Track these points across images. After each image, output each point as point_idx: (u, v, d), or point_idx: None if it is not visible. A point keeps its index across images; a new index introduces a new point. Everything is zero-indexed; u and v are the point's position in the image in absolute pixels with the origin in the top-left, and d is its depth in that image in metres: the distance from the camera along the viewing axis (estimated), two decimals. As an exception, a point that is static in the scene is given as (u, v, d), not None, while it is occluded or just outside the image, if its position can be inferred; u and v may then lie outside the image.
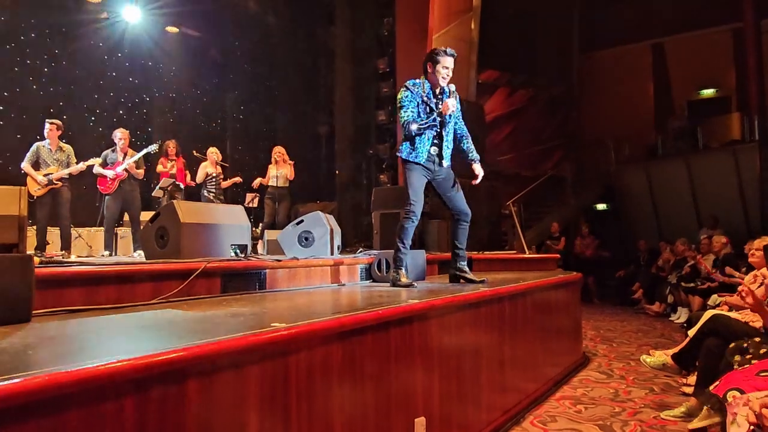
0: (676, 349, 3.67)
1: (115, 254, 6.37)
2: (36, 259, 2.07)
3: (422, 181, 3.62)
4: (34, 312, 2.01)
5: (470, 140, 3.87)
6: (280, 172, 7.54)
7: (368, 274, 4.28)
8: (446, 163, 3.69)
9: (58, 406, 1.16)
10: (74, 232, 6.99)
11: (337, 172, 11.07)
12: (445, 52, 3.54)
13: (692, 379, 3.54)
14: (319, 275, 3.85)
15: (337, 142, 11.22)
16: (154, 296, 2.74)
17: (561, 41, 13.77)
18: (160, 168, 7.28)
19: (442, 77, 3.55)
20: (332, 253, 4.47)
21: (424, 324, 2.47)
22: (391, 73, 10.68)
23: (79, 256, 5.89)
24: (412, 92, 3.56)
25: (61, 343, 1.62)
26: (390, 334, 2.22)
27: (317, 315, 2.10)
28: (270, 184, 7.57)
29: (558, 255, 6.50)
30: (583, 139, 13.74)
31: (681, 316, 7.23)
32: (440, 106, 3.54)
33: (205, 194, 7.30)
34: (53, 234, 6.12)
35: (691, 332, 3.63)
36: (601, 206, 13.15)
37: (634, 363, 4.68)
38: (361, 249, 5.88)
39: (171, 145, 7.27)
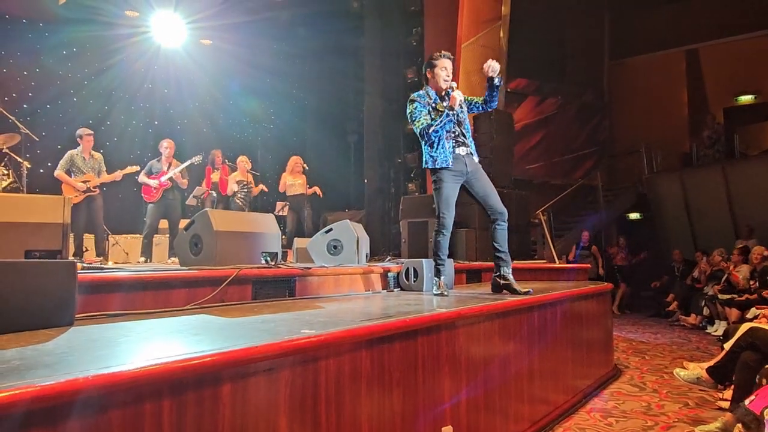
0: (711, 363, 3.58)
1: (151, 261, 6.55)
2: (78, 265, 2.16)
3: (454, 190, 3.57)
4: (76, 316, 2.09)
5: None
6: (296, 181, 7.64)
7: (396, 282, 4.30)
8: (476, 158, 3.66)
9: (101, 406, 1.22)
10: (111, 239, 7.22)
11: (365, 180, 11.14)
12: (440, 54, 3.58)
13: (728, 393, 3.45)
14: (347, 283, 3.89)
15: (366, 150, 11.30)
16: (189, 302, 2.82)
17: (591, 48, 13.62)
18: (203, 184, 7.46)
19: (443, 79, 3.55)
20: (360, 262, 4.51)
21: (452, 333, 2.48)
22: (419, 82, 10.73)
23: (116, 263, 6.07)
24: (420, 102, 3.58)
25: (102, 346, 1.69)
26: (418, 343, 2.24)
27: (346, 322, 2.13)
28: (289, 193, 7.68)
29: (588, 265, 6.39)
30: (614, 147, 13.52)
31: (718, 328, 7.03)
32: (452, 103, 3.52)
33: (236, 201, 7.45)
34: (89, 240, 6.33)
35: (728, 345, 3.54)
36: (633, 215, 12.89)
37: (667, 376, 4.57)
38: (389, 257, 5.91)
39: (218, 155, 7.46)
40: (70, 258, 3.01)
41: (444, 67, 3.56)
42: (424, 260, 4.15)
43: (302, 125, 12.34)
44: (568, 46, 13.26)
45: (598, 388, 4.20)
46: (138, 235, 6.97)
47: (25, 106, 8.29)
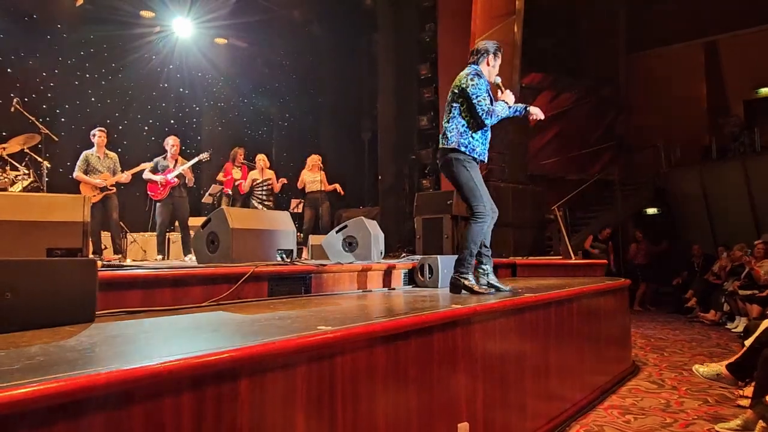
0: (731, 359, 3.53)
1: (168, 258, 6.61)
2: (98, 263, 2.20)
3: (481, 179, 3.46)
4: (97, 312, 2.13)
5: None
6: (315, 177, 7.66)
7: (411, 278, 4.30)
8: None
9: (123, 401, 1.24)
10: (129, 237, 7.32)
11: (379, 177, 11.15)
12: (501, 50, 3.58)
13: (749, 390, 3.40)
14: (362, 280, 3.90)
15: (380, 147, 11.31)
16: (206, 299, 2.85)
17: (607, 42, 13.44)
18: (221, 176, 7.51)
19: (497, 74, 3.55)
20: (375, 258, 4.52)
21: (468, 329, 2.47)
22: (433, 78, 10.70)
23: (134, 260, 6.15)
24: (484, 79, 3.43)
25: (123, 342, 1.71)
26: (433, 339, 2.24)
27: (362, 319, 2.14)
28: (308, 190, 7.70)
29: (605, 261, 6.34)
30: (631, 141, 13.34)
31: (739, 325, 6.92)
32: (506, 100, 3.47)
33: (252, 201, 7.48)
34: (107, 238, 6.42)
35: (748, 342, 3.48)
36: (651, 210, 12.73)
37: (686, 373, 4.51)
38: (404, 254, 5.92)
39: (240, 153, 7.51)
40: (90, 256, 3.06)
41: (499, 64, 3.56)
42: (439, 257, 4.15)
43: (316, 123, 12.38)
44: (583, 40, 13.10)
45: (616, 385, 4.16)
46: (155, 233, 7.05)
47: (44, 106, 8.42)
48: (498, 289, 3.41)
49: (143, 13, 9.58)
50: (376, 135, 11.57)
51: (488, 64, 3.50)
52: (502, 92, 3.50)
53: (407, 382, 2.07)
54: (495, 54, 3.52)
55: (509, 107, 3.46)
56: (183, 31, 9.86)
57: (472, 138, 3.38)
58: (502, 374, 2.71)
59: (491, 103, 3.38)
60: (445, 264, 4.13)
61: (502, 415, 2.70)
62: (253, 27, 10.48)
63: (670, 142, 12.16)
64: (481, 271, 3.50)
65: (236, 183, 7.40)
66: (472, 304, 2.62)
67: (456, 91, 3.41)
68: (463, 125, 3.38)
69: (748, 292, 6.94)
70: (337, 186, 7.81)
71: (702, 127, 12.53)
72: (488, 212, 3.40)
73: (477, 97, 3.32)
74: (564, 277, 5.45)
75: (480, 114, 3.32)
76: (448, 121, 3.43)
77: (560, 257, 7.20)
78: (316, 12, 11.52)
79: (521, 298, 2.99)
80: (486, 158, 3.50)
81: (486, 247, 3.52)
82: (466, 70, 3.46)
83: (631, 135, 13.40)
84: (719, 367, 3.55)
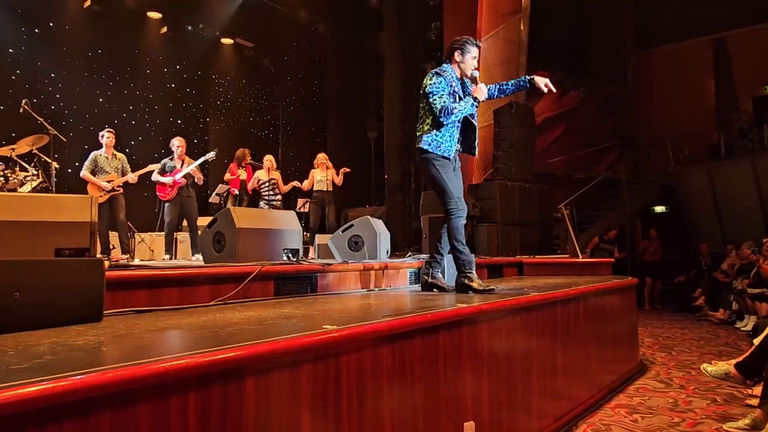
0: (740, 358, 3.51)
1: (175, 258, 6.65)
2: (105, 263, 2.22)
3: (454, 177, 3.43)
4: (104, 312, 2.15)
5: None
6: (325, 176, 7.67)
7: (417, 278, 4.30)
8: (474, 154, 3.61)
9: (130, 399, 1.25)
10: (137, 236, 7.36)
11: (386, 176, 11.15)
12: (474, 42, 3.47)
13: (758, 389, 3.37)
14: (368, 279, 3.91)
15: (386, 146, 11.30)
16: (212, 298, 2.86)
17: (614, 39, 13.37)
18: (228, 176, 7.54)
19: (473, 68, 3.44)
20: (381, 258, 4.53)
21: (474, 328, 2.47)
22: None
23: (141, 260, 6.19)
24: (445, 79, 3.38)
25: (130, 341, 1.73)
26: (439, 338, 2.24)
27: (367, 318, 2.15)
28: (315, 189, 7.71)
29: (612, 259, 6.31)
30: (639, 139, 13.26)
31: (747, 323, 6.87)
32: (476, 95, 3.37)
33: (260, 202, 7.50)
34: (115, 238, 6.47)
35: (757, 340, 3.46)
36: (659, 208, 12.66)
37: (695, 372, 4.49)
38: (410, 253, 5.91)
39: (247, 154, 7.54)
40: (98, 256, 3.08)
41: (474, 56, 3.46)
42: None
43: (322, 122, 12.40)
44: (590, 37, 13.03)
45: (623, 384, 4.15)
46: (162, 233, 7.09)
47: (52, 107, 8.49)
48: (440, 289, 3.53)
49: (150, 14, 9.64)
50: (382, 134, 11.57)
51: (455, 61, 3.46)
52: (476, 87, 3.43)
53: (413, 381, 2.07)
54: (461, 49, 3.44)
55: (473, 103, 3.37)
56: (190, 32, 9.90)
57: (436, 136, 3.38)
58: (508, 373, 2.71)
59: (455, 101, 3.36)
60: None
61: (509, 414, 2.70)
62: (259, 27, 10.51)
63: (678, 140, 12.08)
64: (434, 265, 3.59)
65: (242, 182, 7.42)
66: (478, 303, 2.61)
67: (422, 91, 3.46)
68: (428, 125, 3.42)
69: (757, 291, 6.89)
70: (342, 170, 7.78)
71: (710, 124, 12.44)
72: (461, 207, 3.40)
73: (433, 95, 3.34)
74: (571, 276, 5.43)
75: (436, 112, 3.33)
76: (418, 123, 3.51)
77: (567, 256, 7.17)
78: (321, 11, 11.53)
79: (527, 298, 2.99)
80: (453, 154, 3.41)
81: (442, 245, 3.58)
82: (431, 71, 3.50)
83: (638, 133, 13.33)
84: (728, 366, 3.54)
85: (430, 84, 3.37)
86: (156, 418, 1.29)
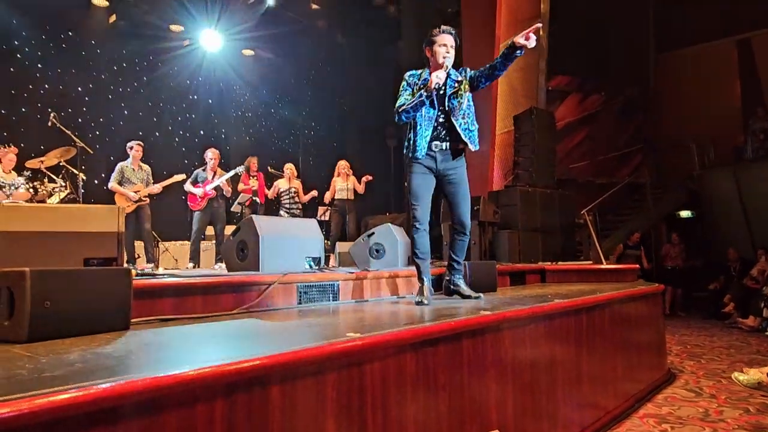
0: (773, 367, 3.42)
1: (199, 266, 6.74)
2: (132, 272, 2.26)
3: (424, 182, 3.22)
4: (132, 320, 2.18)
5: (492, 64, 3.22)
6: (346, 185, 7.70)
7: (439, 285, 4.28)
8: (461, 158, 3.28)
9: (158, 407, 1.27)
10: (162, 245, 7.48)
11: (405, 184, 11.15)
12: (439, 30, 3.21)
13: (793, 399, 3.28)
14: (390, 287, 3.91)
15: (405, 154, 11.31)
16: (236, 306, 2.89)
17: (635, 42, 13.23)
18: (241, 186, 7.63)
19: (442, 56, 3.15)
20: (402, 265, 4.52)
21: (497, 336, 2.45)
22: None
23: (166, 269, 6.28)
24: (407, 82, 3.25)
25: (158, 349, 1.75)
26: (462, 346, 2.23)
27: (390, 326, 2.14)
28: (337, 197, 7.74)
29: (637, 265, 6.20)
30: (662, 143, 13.06)
31: (779, 331, 6.69)
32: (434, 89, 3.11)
33: (280, 210, 7.56)
34: (140, 247, 6.58)
35: (790, 348, 3.36)
36: (684, 213, 12.43)
37: (725, 381, 4.37)
38: (431, 260, 5.89)
39: (253, 162, 7.62)
40: (125, 265, 3.14)
41: (443, 44, 3.17)
42: (466, 263, 4.12)
43: (342, 131, 12.48)
44: (610, 41, 12.92)
45: (651, 393, 4.06)
46: (187, 242, 7.19)
47: (79, 120, 8.69)
48: (467, 297, 3.40)
49: (172, 27, 9.83)
50: (402, 141, 11.59)
51: (428, 57, 3.27)
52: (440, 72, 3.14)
53: (437, 389, 2.06)
54: (428, 45, 3.24)
55: (421, 92, 3.11)
56: (211, 43, 10.08)
57: (409, 138, 3.27)
58: (532, 381, 2.67)
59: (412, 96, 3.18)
60: (473, 270, 4.10)
61: (534, 423, 2.66)
62: (279, 38, 10.65)
63: (703, 143, 11.87)
64: (453, 272, 3.49)
65: (254, 191, 7.47)
66: (502, 311, 2.59)
67: None
68: (406, 131, 3.33)
69: (790, 297, 6.71)
70: (364, 179, 7.78)
71: (736, 126, 12.19)
72: (417, 216, 3.22)
73: (397, 98, 3.24)
74: (595, 282, 5.35)
75: (394, 112, 3.23)
76: None
77: (591, 262, 7.07)
78: (340, 22, 11.64)
79: (551, 305, 2.95)
80: (422, 153, 3.19)
81: (456, 260, 3.46)
82: None
83: (661, 137, 13.13)
84: (760, 374, 3.45)
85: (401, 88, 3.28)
86: (183, 426, 1.31)
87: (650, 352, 4.37)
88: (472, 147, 3.25)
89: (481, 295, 3.41)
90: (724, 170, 11.30)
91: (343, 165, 7.85)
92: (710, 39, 12.71)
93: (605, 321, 3.55)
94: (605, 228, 10.92)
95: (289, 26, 10.64)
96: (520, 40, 2.97)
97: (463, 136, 3.22)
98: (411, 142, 3.24)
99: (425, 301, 3.15)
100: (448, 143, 3.24)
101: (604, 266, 6.22)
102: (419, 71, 3.30)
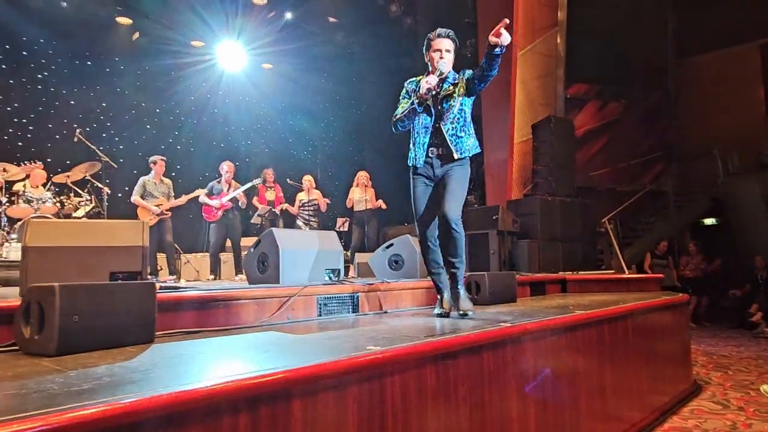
0: (803, 379, 3.33)
1: (219, 278, 6.82)
2: (156, 285, 2.30)
3: (422, 194, 3.13)
4: (156, 333, 2.22)
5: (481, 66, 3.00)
6: (365, 196, 7.73)
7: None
8: (461, 161, 3.08)
9: (183, 420, 1.29)
10: (183, 257, 7.59)
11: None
12: (437, 34, 3.08)
13: (825, 412, 3.19)
14: (409, 298, 3.91)
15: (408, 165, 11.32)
16: (257, 318, 2.92)
17: (655, 48, 13.09)
18: (255, 201, 7.71)
19: (435, 62, 3.05)
20: (422, 276, 4.52)
21: (518, 348, 2.44)
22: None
23: (187, 281, 6.37)
24: (406, 89, 3.18)
25: (182, 362, 1.78)
26: (483, 358, 2.22)
27: (410, 338, 2.15)
28: (356, 208, 7.77)
29: (661, 275, 6.10)
30: (685, 149, 12.87)
31: (810, 341, 6.51)
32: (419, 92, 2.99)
33: (297, 221, 7.62)
34: (162, 260, 6.69)
35: (822, 360, 3.27)
36: (709, 221, 12.20)
37: (754, 393, 4.27)
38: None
39: (269, 174, 7.70)
40: (148, 278, 3.20)
41: (437, 49, 3.05)
42: (486, 273, 4.11)
43: (360, 142, 12.55)
44: (629, 47, 12.81)
45: (677, 405, 3.98)
46: (207, 254, 7.28)
47: (103, 135, 8.89)
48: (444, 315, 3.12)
49: (194, 43, 10.02)
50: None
51: (428, 61, 3.14)
52: (433, 76, 3.03)
53: (457, 402, 2.06)
54: (426, 51, 3.13)
55: (413, 100, 3.03)
56: (231, 58, 10.24)
57: (410, 149, 3.18)
58: (554, 394, 2.65)
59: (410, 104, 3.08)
60: (492, 281, 4.08)
61: (557, 437, 2.63)
62: (297, 51, 10.78)
63: (726, 150, 11.66)
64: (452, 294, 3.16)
65: (270, 202, 7.53)
66: (522, 322, 2.58)
67: None
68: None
69: (820, 306, 6.53)
70: (381, 203, 7.86)
71: (760, 132, 11.96)
72: (423, 231, 3.13)
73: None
74: (617, 292, 5.28)
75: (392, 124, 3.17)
76: None
77: (613, 272, 6.98)
78: (357, 34, 11.75)
79: (572, 316, 2.93)
80: (420, 162, 3.09)
81: (452, 259, 3.13)
82: None
83: (684, 143, 12.94)
84: (790, 386, 3.36)
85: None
86: (208, 438, 1.33)
87: (675, 363, 4.29)
88: (457, 155, 3.04)
89: (470, 312, 2.99)
90: (750, 177, 11.07)
91: (362, 176, 7.88)
92: (732, 44, 12.52)
93: (628, 332, 3.50)
94: (627, 236, 10.76)
95: (306, 40, 10.78)
96: (492, 38, 2.83)
97: (448, 141, 3.05)
98: (411, 152, 3.18)
99: (443, 313, 3.11)
100: (443, 150, 3.09)
101: (627, 275, 6.14)
102: (419, 78, 3.19)
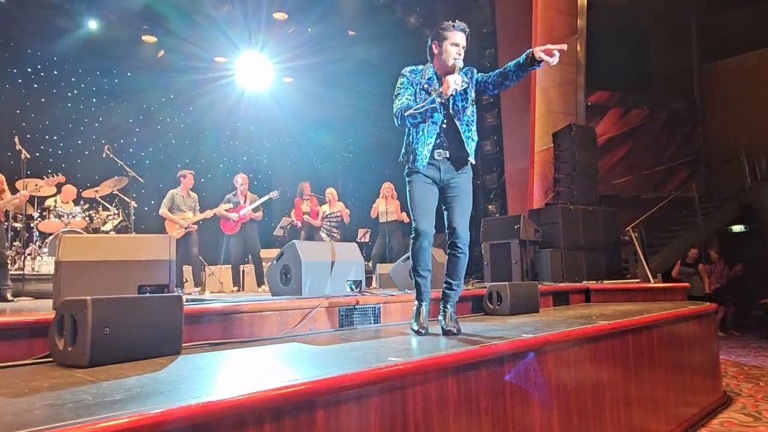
0: (837, 391, 3.23)
1: (243, 289, 6.90)
2: (183, 298, 2.36)
3: (428, 192, 2.85)
4: (182, 345, 2.28)
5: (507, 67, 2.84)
6: (389, 207, 7.76)
7: (479, 306, 4.26)
8: (467, 167, 2.91)
9: (210, 431, 1.33)
10: (207, 269, 7.71)
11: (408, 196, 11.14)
12: (452, 25, 2.84)
13: None
14: (430, 309, 3.90)
15: (402, 163, 11.32)
16: (280, 330, 2.97)
17: (678, 53, 12.92)
18: (292, 214, 7.79)
19: (453, 57, 2.80)
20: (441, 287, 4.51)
21: (540, 359, 2.43)
22: (495, 102, 10.67)
23: (212, 292, 6.46)
24: (408, 79, 2.89)
25: (208, 373, 1.83)
26: (504, 369, 2.22)
27: (432, 349, 2.16)
28: (381, 220, 7.81)
29: (688, 284, 5.99)
30: (710, 155, 12.64)
31: None
32: (442, 89, 2.70)
33: (320, 233, 7.68)
34: (187, 271, 6.80)
35: None
36: (737, 228, 11.93)
37: (787, 405, 4.16)
38: (471, 281, 5.87)
39: (306, 187, 7.79)
40: (175, 291, 3.27)
41: (455, 42, 2.81)
42: (507, 284, 4.10)
43: (382, 154, 12.61)
44: (652, 53, 12.68)
45: (706, 418, 3.90)
46: (230, 266, 7.38)
47: (131, 150, 9.12)
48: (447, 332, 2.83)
49: (217, 59, 10.23)
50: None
51: (435, 56, 2.93)
52: (455, 73, 2.77)
53: (479, 413, 2.06)
54: (437, 39, 2.88)
55: (433, 98, 2.71)
56: (253, 73, 10.42)
57: (408, 144, 2.90)
58: (578, 405, 2.63)
59: (416, 101, 2.81)
60: (514, 291, 4.07)
61: (581, 449, 2.61)
62: (318, 65, 10.92)
63: (754, 155, 11.41)
64: (441, 311, 2.95)
65: (305, 215, 7.63)
66: (544, 333, 2.57)
67: None
68: (406, 134, 2.94)
69: None
70: (405, 215, 7.87)
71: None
72: (425, 231, 2.83)
73: (394, 99, 2.88)
74: (642, 302, 5.20)
75: (395, 114, 2.85)
76: None
77: (638, 281, 6.87)
78: (377, 47, 11.84)
79: (596, 327, 2.90)
80: (424, 163, 2.83)
81: (449, 282, 2.97)
82: None
83: (710, 149, 12.72)
84: (824, 398, 3.26)
85: (396, 88, 2.92)
86: (234, 448, 1.36)
87: (704, 375, 4.20)
88: (471, 158, 2.89)
89: (455, 330, 2.83)
90: (779, 182, 10.83)
91: (387, 187, 7.89)
92: (757, 47, 12.30)
93: (654, 342, 3.45)
94: (652, 245, 10.57)
95: (327, 54, 10.91)
96: (542, 54, 2.65)
97: (465, 145, 2.85)
98: (410, 149, 2.88)
99: (422, 330, 2.83)
100: (452, 152, 2.88)
101: (652, 284, 6.04)
102: (421, 67, 2.95)
